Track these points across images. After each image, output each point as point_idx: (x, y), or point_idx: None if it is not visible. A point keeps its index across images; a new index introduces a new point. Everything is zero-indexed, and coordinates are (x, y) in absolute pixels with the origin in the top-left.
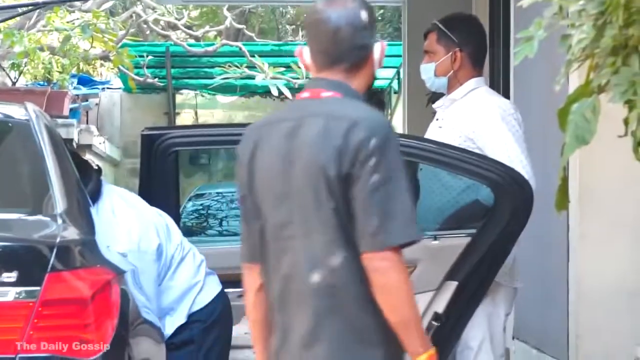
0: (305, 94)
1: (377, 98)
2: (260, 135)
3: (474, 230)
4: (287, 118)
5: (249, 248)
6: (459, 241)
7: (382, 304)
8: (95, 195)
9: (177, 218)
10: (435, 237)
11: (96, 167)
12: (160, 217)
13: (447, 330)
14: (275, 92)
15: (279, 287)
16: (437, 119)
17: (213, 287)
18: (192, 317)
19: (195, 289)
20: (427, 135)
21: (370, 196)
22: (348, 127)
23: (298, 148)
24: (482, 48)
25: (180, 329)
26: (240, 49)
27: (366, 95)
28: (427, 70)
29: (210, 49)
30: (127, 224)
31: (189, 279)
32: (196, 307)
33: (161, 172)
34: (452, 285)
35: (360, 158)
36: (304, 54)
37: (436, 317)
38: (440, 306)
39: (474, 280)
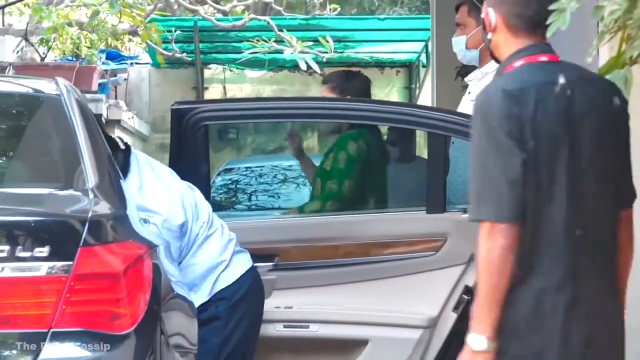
0: (543, 58)
1: (362, 77)
2: (541, 95)
3: None
4: (555, 81)
5: (514, 206)
6: None
7: None
8: (123, 172)
9: (207, 192)
10: (464, 211)
11: (124, 145)
12: (190, 193)
13: None
14: (303, 66)
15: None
16: (469, 92)
17: (241, 265)
18: (217, 295)
19: (220, 267)
20: (460, 109)
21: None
22: (606, 87)
23: (581, 110)
24: None
25: (205, 306)
26: (268, 23)
27: (351, 76)
28: (458, 43)
29: (238, 23)
30: (153, 200)
31: (214, 257)
32: (221, 286)
33: (191, 146)
34: None
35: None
36: (492, 15)
37: (467, 290)
38: (470, 280)
39: None
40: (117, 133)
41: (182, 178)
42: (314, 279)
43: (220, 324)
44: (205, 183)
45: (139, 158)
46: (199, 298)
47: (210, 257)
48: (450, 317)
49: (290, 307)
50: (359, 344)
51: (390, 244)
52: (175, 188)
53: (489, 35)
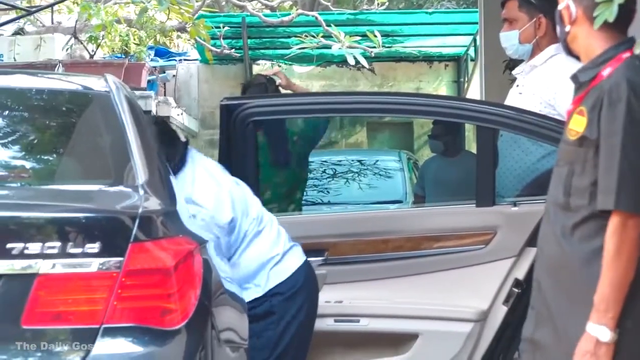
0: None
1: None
2: None
3: None
4: None
5: None
6: (538, 207)
7: None
8: (179, 166)
9: (256, 188)
10: (514, 204)
11: (184, 139)
12: (239, 190)
13: (528, 296)
14: (351, 61)
15: None
16: (517, 85)
17: (294, 260)
18: (272, 291)
19: (272, 262)
20: (507, 102)
21: None
22: None
23: None
24: None
25: (260, 301)
26: (316, 18)
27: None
28: (509, 38)
29: (286, 19)
30: (202, 195)
31: (265, 252)
32: (275, 281)
33: (240, 141)
34: (533, 252)
35: None
36: (572, 8)
37: (517, 283)
38: (520, 273)
39: None
40: None
41: (232, 174)
42: (364, 273)
43: (275, 319)
44: (254, 178)
45: (193, 154)
46: (252, 294)
47: (262, 252)
48: (501, 311)
49: (341, 301)
50: (410, 338)
51: (440, 237)
52: (225, 185)
53: (567, 28)
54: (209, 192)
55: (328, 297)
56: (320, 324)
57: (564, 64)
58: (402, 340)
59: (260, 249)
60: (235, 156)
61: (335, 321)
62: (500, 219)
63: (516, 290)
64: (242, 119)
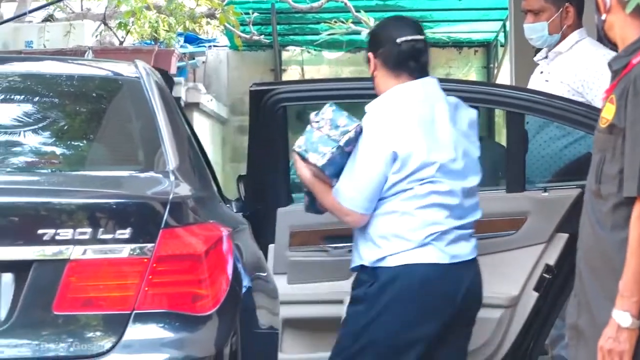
0: None
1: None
2: None
3: (584, 182)
4: None
5: None
6: (568, 193)
7: None
8: None
9: (286, 174)
10: (545, 189)
11: None
12: None
13: (559, 282)
14: None
15: None
16: (540, 72)
17: (419, 256)
18: (376, 272)
19: (391, 244)
20: (530, 87)
21: None
22: None
23: None
24: None
25: (356, 284)
26: (345, 4)
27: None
28: (536, 30)
29: (315, 4)
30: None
31: (393, 229)
32: (383, 263)
33: (270, 127)
34: (563, 238)
35: None
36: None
37: (547, 269)
38: (551, 258)
39: None
40: (195, 116)
41: (262, 159)
42: None
43: (363, 308)
44: (285, 164)
45: None
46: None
47: (389, 226)
48: (532, 297)
49: None
50: None
51: None
52: None
53: (603, 17)
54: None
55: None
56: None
57: (590, 50)
58: None
59: (390, 222)
60: (265, 142)
61: None
62: (530, 205)
63: (547, 276)
64: (272, 105)
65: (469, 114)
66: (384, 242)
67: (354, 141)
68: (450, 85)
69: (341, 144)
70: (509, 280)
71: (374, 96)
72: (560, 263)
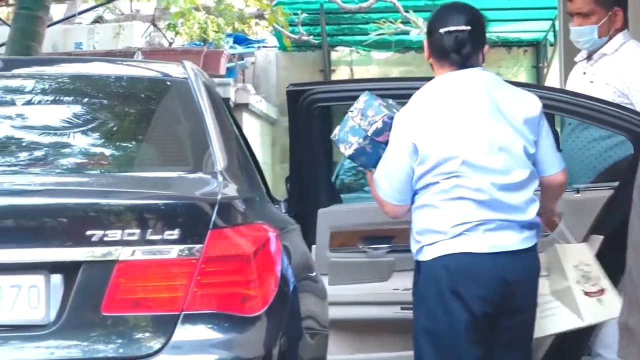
0: None
1: None
2: None
3: (616, 183)
4: None
5: None
6: (601, 194)
7: None
8: None
9: (328, 173)
10: (577, 191)
11: None
12: None
13: None
14: None
15: None
16: (583, 73)
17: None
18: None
19: (427, 236)
20: (569, 88)
21: None
22: None
23: None
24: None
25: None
26: (394, 4)
27: None
28: (584, 33)
29: (364, 5)
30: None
31: (428, 222)
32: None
33: (308, 128)
34: (597, 240)
35: None
36: None
37: None
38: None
39: (620, 234)
40: (245, 117)
41: (302, 160)
42: None
43: (415, 303)
44: (325, 164)
45: None
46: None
47: (422, 220)
48: None
49: (409, 288)
50: None
51: None
52: None
53: None
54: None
55: (396, 285)
56: (388, 312)
57: (637, 53)
58: None
59: (425, 215)
60: (304, 143)
61: (402, 309)
62: (564, 206)
63: None
64: (308, 105)
65: (527, 109)
66: (420, 236)
67: (386, 131)
68: None
69: (369, 134)
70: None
71: (409, 96)
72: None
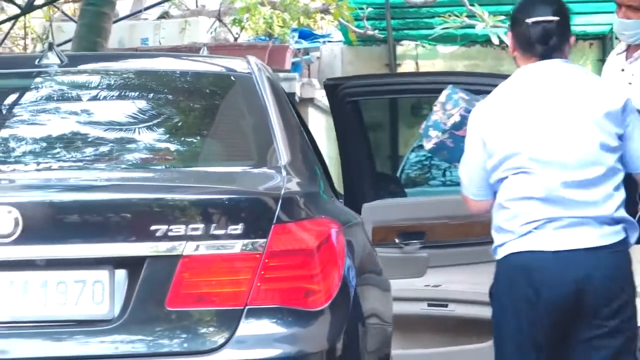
0: None
1: None
2: None
3: None
4: None
5: None
6: None
7: None
8: None
9: (371, 167)
10: None
11: None
12: None
13: None
14: (496, 41)
15: None
16: (622, 70)
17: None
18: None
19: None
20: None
21: None
22: None
23: None
24: None
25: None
26: None
27: None
28: (632, 27)
29: None
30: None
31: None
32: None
33: (345, 122)
34: None
35: None
36: None
37: None
38: None
39: None
40: (310, 111)
41: (345, 154)
42: (460, 257)
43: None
44: (366, 156)
45: None
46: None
47: (495, 219)
48: None
49: (439, 285)
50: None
51: None
52: None
53: None
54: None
55: (428, 281)
56: (416, 308)
57: None
58: (486, 327)
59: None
60: (345, 137)
61: (429, 305)
62: None
63: None
64: (341, 99)
65: (609, 102)
66: (495, 234)
67: (465, 124)
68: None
69: (447, 128)
70: None
71: (439, 91)
72: None
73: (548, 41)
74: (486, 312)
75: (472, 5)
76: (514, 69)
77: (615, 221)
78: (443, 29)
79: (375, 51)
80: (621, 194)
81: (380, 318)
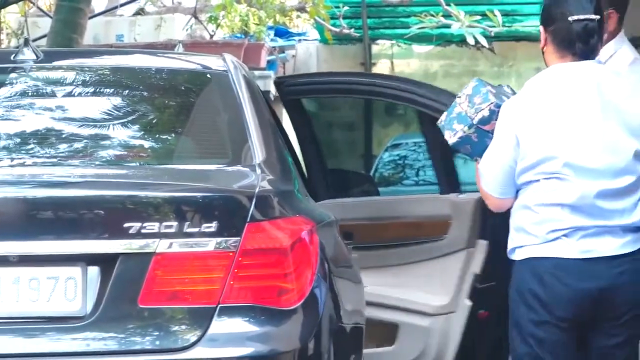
0: None
1: None
2: None
3: None
4: None
5: None
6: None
7: None
8: None
9: (320, 165)
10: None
11: None
12: None
13: None
14: (471, 41)
15: None
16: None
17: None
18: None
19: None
20: None
21: None
22: None
23: None
24: None
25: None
26: None
27: None
28: None
29: None
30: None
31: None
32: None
33: (292, 120)
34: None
35: None
36: None
37: None
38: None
39: None
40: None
41: (303, 153)
42: (381, 258)
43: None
44: (315, 154)
45: None
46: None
47: (519, 219)
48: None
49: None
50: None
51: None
52: None
53: None
54: None
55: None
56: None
57: (629, 59)
58: (391, 331)
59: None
60: (299, 135)
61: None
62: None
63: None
64: (285, 97)
65: None
66: (515, 234)
67: (493, 119)
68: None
69: (474, 122)
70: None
71: (377, 93)
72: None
73: (589, 40)
74: (391, 316)
75: (448, 4)
76: (489, 69)
77: (638, 229)
78: (419, 28)
79: (351, 50)
80: None
81: (352, 317)
